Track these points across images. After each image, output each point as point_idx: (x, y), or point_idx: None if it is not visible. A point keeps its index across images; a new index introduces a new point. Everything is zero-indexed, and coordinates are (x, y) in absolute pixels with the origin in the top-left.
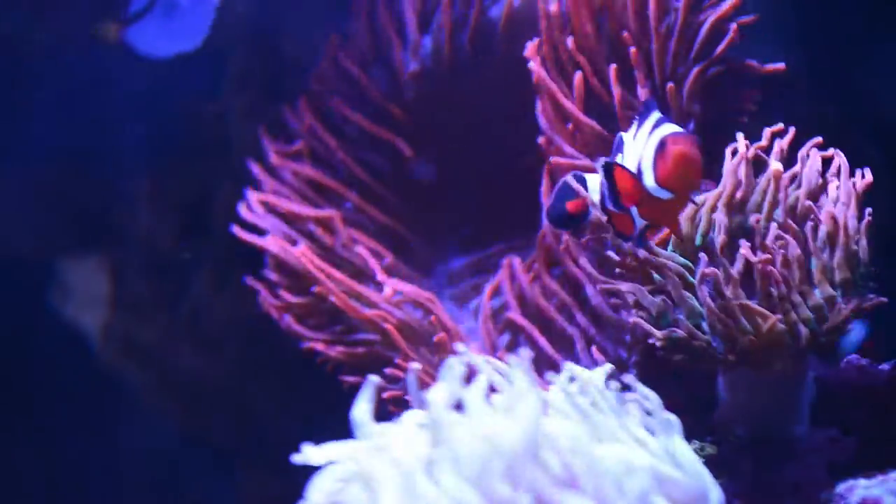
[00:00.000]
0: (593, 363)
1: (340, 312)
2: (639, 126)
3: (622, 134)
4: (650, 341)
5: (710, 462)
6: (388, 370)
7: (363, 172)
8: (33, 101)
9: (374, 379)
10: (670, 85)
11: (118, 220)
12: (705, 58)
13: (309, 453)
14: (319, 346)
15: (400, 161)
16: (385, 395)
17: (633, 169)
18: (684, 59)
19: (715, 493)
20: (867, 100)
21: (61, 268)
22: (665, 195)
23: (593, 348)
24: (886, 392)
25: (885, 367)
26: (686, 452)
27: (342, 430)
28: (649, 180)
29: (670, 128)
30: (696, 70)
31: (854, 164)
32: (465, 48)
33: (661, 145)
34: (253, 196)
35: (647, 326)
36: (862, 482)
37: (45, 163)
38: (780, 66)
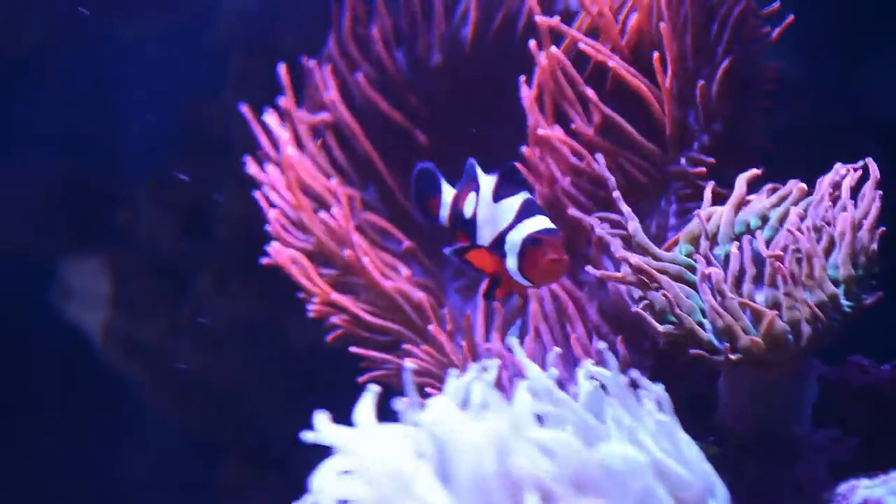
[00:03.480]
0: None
1: (357, 290)
2: (501, 189)
3: (479, 177)
4: (658, 340)
5: (711, 462)
6: (406, 347)
7: (380, 157)
8: (35, 102)
9: (374, 388)
10: (701, 83)
11: (120, 220)
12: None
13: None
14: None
15: (415, 149)
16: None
17: (490, 237)
18: (710, 59)
19: (721, 490)
20: (869, 103)
21: (63, 267)
22: (523, 283)
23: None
24: (888, 392)
25: (886, 367)
26: (693, 451)
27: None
28: (512, 264)
29: (543, 221)
30: (724, 65)
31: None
32: (489, 41)
33: (537, 243)
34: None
35: (650, 319)
36: (864, 482)
37: (46, 163)
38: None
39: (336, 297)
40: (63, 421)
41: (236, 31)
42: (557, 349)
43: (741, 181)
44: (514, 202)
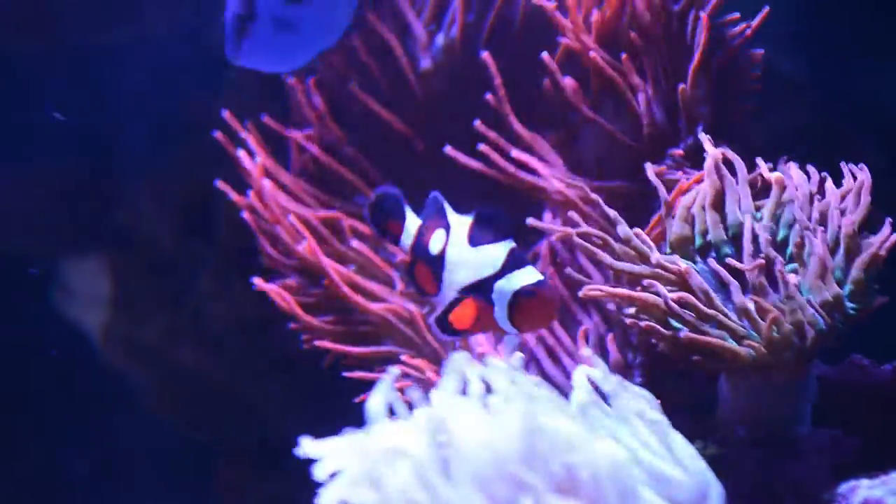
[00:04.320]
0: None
1: (349, 308)
2: (478, 233)
3: (449, 215)
4: (652, 340)
5: (711, 462)
6: (398, 366)
7: (372, 167)
8: (34, 102)
9: (393, 370)
10: (682, 87)
11: (120, 220)
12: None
13: (309, 448)
14: (327, 343)
15: (408, 156)
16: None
17: (464, 280)
18: (683, 65)
19: (716, 489)
20: (869, 103)
21: (63, 268)
22: (509, 330)
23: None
24: (888, 392)
25: (886, 367)
26: (686, 450)
27: (343, 430)
28: (501, 313)
29: (534, 273)
30: (695, 61)
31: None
32: (481, 45)
33: (532, 295)
34: (261, 187)
35: (656, 326)
36: (864, 482)
37: (46, 163)
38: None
39: (324, 337)
40: (62, 421)
41: None
42: (521, 355)
43: (710, 170)
44: (500, 250)
